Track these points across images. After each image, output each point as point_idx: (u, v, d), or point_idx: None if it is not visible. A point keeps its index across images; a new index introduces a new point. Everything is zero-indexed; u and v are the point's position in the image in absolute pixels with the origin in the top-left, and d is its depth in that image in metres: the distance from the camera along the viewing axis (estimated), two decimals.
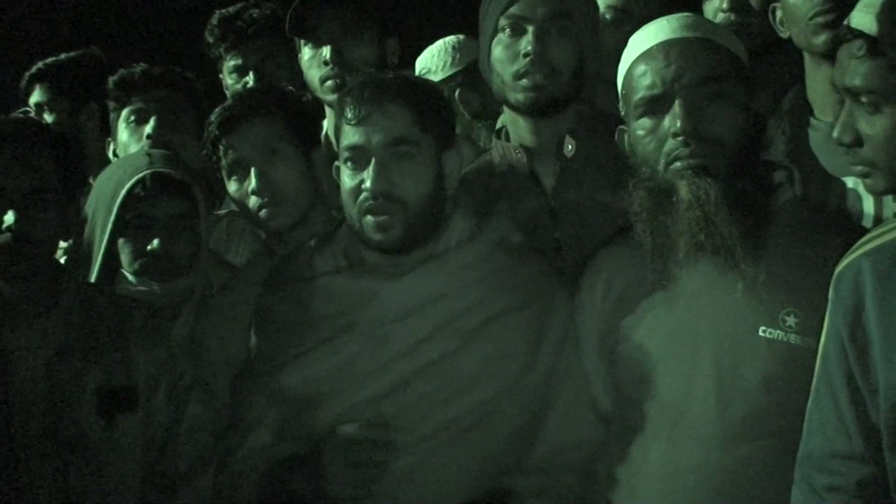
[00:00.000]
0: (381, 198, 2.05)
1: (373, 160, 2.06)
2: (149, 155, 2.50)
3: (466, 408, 2.07)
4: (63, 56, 3.42)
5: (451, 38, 3.31)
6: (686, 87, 1.91)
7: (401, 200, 2.06)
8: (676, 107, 1.90)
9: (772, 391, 1.87)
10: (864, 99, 1.71)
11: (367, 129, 2.07)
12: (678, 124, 1.89)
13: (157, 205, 2.41)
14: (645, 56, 1.97)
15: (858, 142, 1.74)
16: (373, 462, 2.02)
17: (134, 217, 2.42)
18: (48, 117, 3.16)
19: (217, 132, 2.41)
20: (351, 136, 2.09)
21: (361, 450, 2.02)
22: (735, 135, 1.91)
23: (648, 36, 1.99)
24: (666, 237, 1.95)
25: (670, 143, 1.91)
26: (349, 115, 2.09)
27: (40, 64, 3.31)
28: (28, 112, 2.46)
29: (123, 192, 2.40)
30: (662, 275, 1.97)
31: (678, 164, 1.91)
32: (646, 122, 1.95)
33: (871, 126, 1.72)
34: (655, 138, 1.93)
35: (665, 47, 1.95)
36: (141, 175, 2.41)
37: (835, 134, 1.75)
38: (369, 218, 2.07)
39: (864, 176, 1.79)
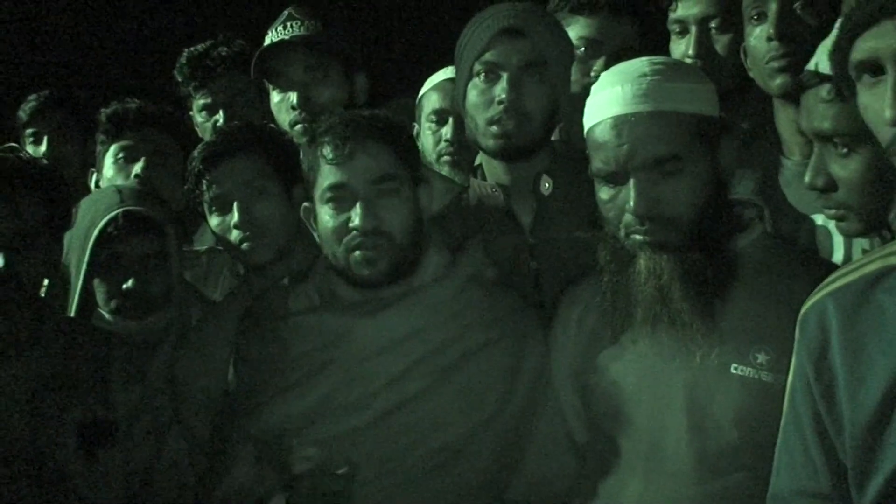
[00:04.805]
0: (371, 234, 2.08)
1: (359, 199, 2.08)
2: (119, 192, 2.52)
3: (443, 443, 2.08)
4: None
5: None
6: (639, 168, 1.89)
7: (388, 235, 2.09)
8: (631, 186, 1.90)
9: (744, 427, 1.89)
10: (836, 141, 1.72)
11: (350, 168, 2.09)
12: (631, 205, 1.90)
13: (129, 243, 2.44)
14: (600, 128, 1.95)
15: (832, 185, 1.75)
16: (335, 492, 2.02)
17: (107, 257, 2.45)
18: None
19: (201, 167, 2.45)
20: (332, 175, 2.11)
21: (323, 500, 2.01)
22: (691, 207, 1.90)
23: (603, 104, 1.96)
24: (627, 301, 1.97)
25: (628, 217, 1.92)
26: (329, 155, 2.10)
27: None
28: (16, 148, 2.46)
29: (96, 231, 2.43)
30: (619, 332, 2.00)
31: (636, 237, 1.93)
32: (606, 189, 1.96)
33: (844, 169, 1.73)
34: (615, 207, 1.94)
35: (617, 125, 1.92)
36: (113, 214, 2.43)
37: (807, 179, 1.76)
38: (357, 254, 2.09)
39: (838, 219, 1.80)
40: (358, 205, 2.09)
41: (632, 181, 1.90)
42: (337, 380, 2.11)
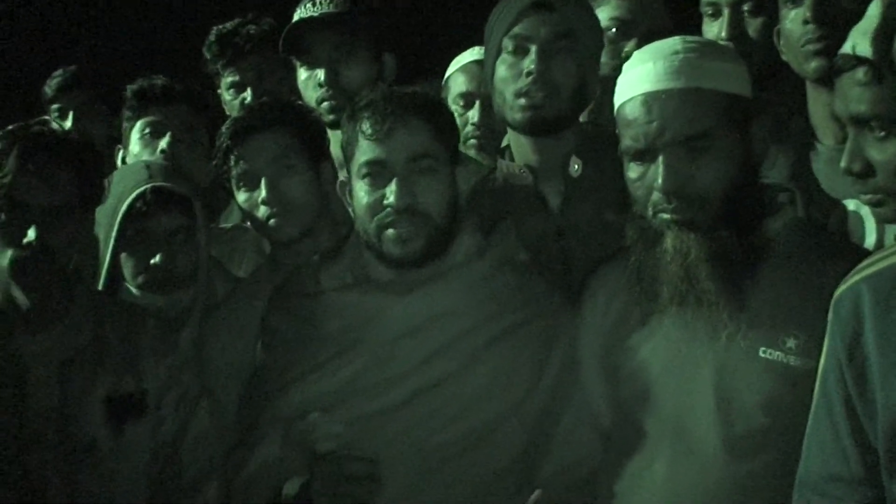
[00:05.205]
0: (406, 213, 2.06)
1: (395, 176, 2.07)
2: (147, 167, 2.53)
3: (471, 425, 2.08)
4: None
5: None
6: (668, 145, 1.88)
7: (425, 214, 2.08)
8: (659, 163, 1.89)
9: (772, 411, 1.88)
10: (873, 125, 1.71)
11: (389, 144, 2.07)
12: (659, 182, 1.89)
13: (157, 219, 2.45)
14: (630, 104, 1.94)
15: (869, 170, 1.73)
16: (357, 496, 2.01)
17: (135, 232, 2.45)
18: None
19: (229, 142, 2.44)
20: (369, 151, 2.09)
21: (347, 485, 2.00)
22: (720, 186, 1.89)
23: (634, 80, 1.95)
24: (653, 280, 1.96)
25: (656, 195, 1.91)
26: (368, 131, 2.08)
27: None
28: (47, 122, 2.47)
29: (124, 207, 2.43)
30: (647, 312, 1.99)
31: (663, 216, 1.91)
32: (635, 167, 1.94)
33: (882, 152, 1.70)
34: (643, 185, 1.93)
35: (648, 101, 1.91)
36: (141, 189, 2.43)
37: (843, 164, 1.74)
38: (390, 231, 2.08)
39: (876, 204, 1.78)
40: (394, 182, 2.07)
41: (660, 158, 1.89)
42: (367, 359, 2.10)
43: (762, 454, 1.88)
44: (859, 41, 1.71)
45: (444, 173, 2.12)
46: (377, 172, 2.09)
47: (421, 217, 2.08)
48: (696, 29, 2.66)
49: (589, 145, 2.37)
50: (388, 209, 2.07)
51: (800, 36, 2.28)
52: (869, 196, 1.76)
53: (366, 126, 2.09)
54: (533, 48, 2.28)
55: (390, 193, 2.06)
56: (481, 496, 2.07)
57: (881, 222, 2.09)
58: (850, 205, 2.19)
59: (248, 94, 3.18)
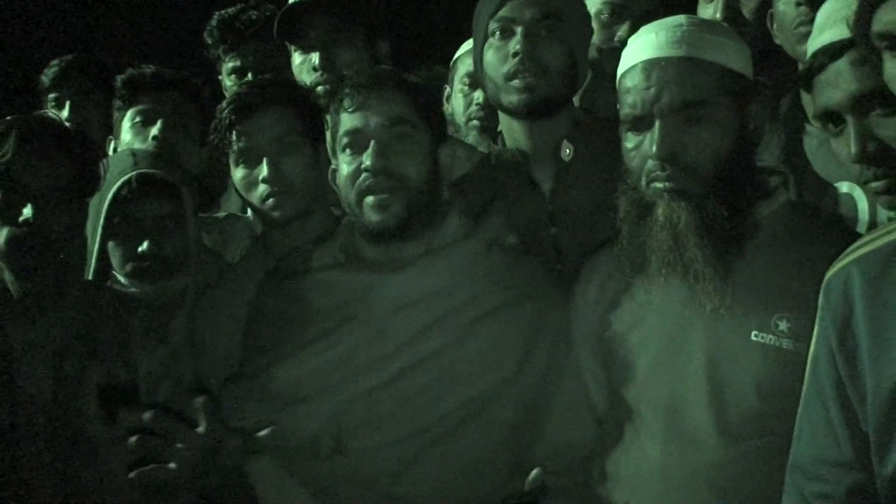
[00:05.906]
0: (381, 175, 2.09)
1: (372, 141, 2.09)
2: (133, 155, 2.51)
3: (461, 402, 2.08)
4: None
5: None
6: (664, 111, 1.90)
7: (400, 177, 2.10)
8: (655, 130, 1.90)
9: (764, 394, 1.88)
10: (877, 104, 1.68)
11: (366, 113, 2.12)
12: (654, 149, 1.90)
13: (143, 206, 2.43)
14: (631, 72, 1.96)
15: (884, 151, 1.71)
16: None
17: (122, 220, 2.44)
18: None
19: (232, 117, 2.41)
20: (348, 122, 2.13)
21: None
22: (714, 158, 1.90)
23: (636, 50, 1.98)
24: (642, 250, 1.97)
25: (650, 164, 1.92)
26: (347, 104, 2.13)
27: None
28: (45, 113, 2.47)
29: (110, 195, 2.41)
30: (634, 281, 2.00)
31: (656, 184, 1.92)
32: (631, 137, 1.96)
33: (893, 128, 1.69)
34: (638, 155, 1.94)
35: (647, 67, 1.93)
36: (126, 177, 2.42)
37: (854, 151, 1.71)
38: (369, 198, 2.10)
39: (885, 192, 1.74)
40: (370, 144, 2.10)
41: (656, 124, 1.91)
42: (358, 336, 2.10)
43: (755, 438, 1.89)
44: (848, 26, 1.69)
45: (421, 141, 2.15)
46: (356, 141, 2.13)
47: (397, 179, 2.10)
48: (690, 13, 2.65)
49: (581, 131, 2.37)
50: (366, 173, 2.09)
51: (792, 18, 2.28)
52: (881, 183, 1.74)
53: (346, 101, 2.14)
54: (518, 30, 2.29)
55: (367, 157, 2.10)
56: (474, 473, 2.07)
57: (891, 209, 2.07)
58: (843, 187, 2.19)
59: (249, 79, 3.17)
